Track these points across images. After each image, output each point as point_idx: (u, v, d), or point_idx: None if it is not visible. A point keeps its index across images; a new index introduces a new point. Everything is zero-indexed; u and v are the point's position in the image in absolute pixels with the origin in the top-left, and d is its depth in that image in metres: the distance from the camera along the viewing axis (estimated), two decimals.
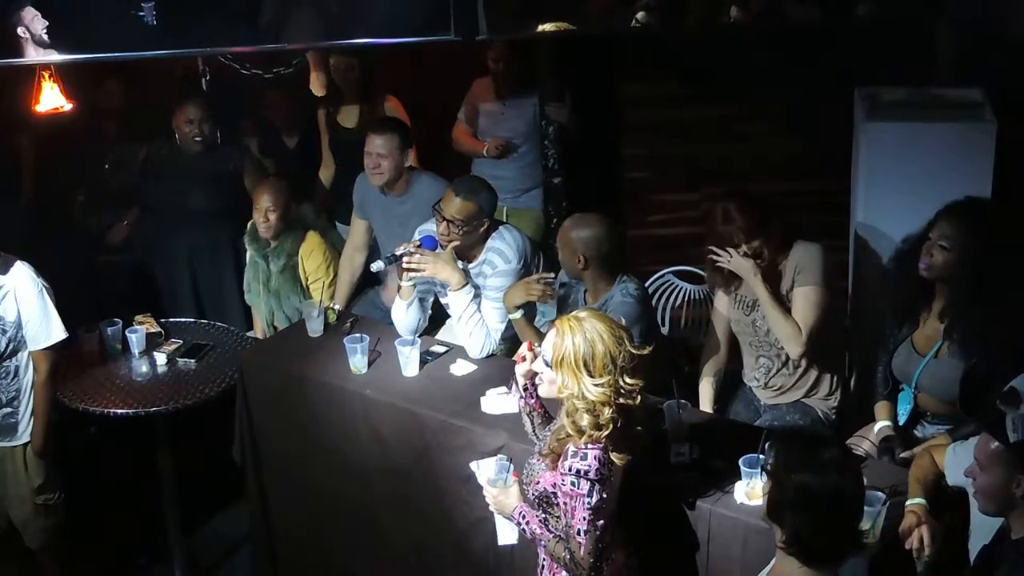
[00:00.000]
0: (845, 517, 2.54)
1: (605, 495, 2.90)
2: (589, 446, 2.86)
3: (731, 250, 3.88)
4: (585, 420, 2.85)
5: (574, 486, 2.86)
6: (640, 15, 4.27)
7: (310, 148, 5.71)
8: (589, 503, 2.87)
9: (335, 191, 5.54)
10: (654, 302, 5.04)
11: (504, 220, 4.57)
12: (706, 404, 4.09)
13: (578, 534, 2.89)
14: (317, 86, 5.29)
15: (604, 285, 3.91)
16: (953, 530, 3.02)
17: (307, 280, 4.89)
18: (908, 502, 3.01)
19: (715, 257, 3.93)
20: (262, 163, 5.48)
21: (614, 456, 2.88)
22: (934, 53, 5.28)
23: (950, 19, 4.95)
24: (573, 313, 2.95)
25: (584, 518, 2.88)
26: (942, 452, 3.15)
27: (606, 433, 2.85)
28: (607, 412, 2.84)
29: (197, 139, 5.13)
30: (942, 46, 5.26)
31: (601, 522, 2.91)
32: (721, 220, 3.89)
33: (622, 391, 2.85)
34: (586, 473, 2.85)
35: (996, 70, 5.05)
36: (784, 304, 3.88)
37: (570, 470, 2.86)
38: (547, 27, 4.31)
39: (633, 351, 2.87)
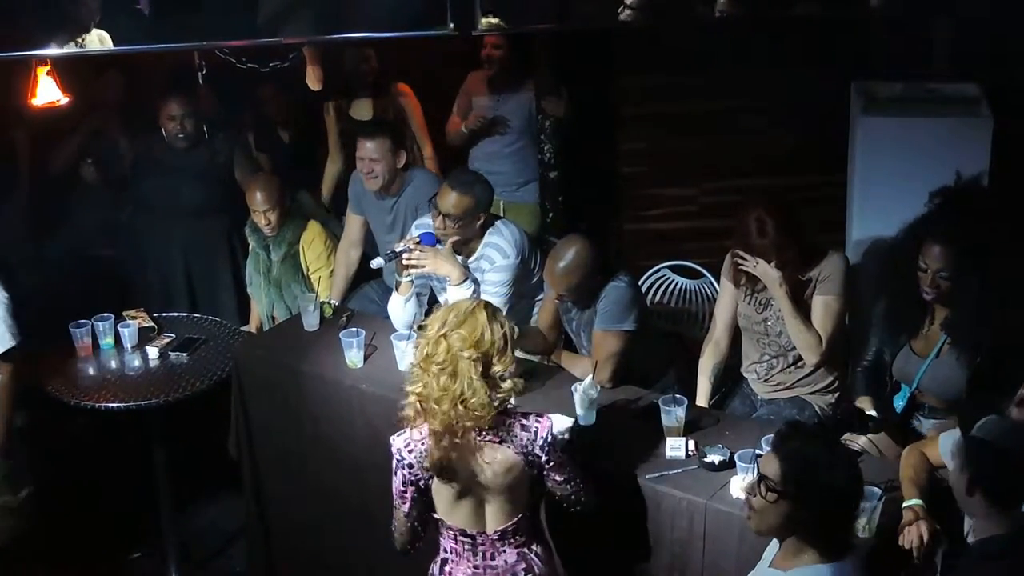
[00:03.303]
0: (848, 511, 2.63)
1: (406, 481, 3.03)
2: (408, 428, 3.02)
3: (759, 259, 3.84)
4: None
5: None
6: (633, 5, 4.26)
7: (306, 142, 5.71)
8: (394, 482, 3.06)
9: (344, 185, 5.47)
10: (650, 297, 5.05)
11: (501, 214, 4.58)
12: (702, 398, 4.10)
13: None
14: (313, 80, 5.22)
15: (598, 290, 3.93)
16: (954, 522, 3.02)
17: (308, 270, 4.90)
18: (905, 504, 3.02)
19: (741, 261, 3.90)
20: (252, 156, 5.48)
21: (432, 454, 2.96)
22: (931, 48, 5.31)
23: (947, 14, 4.97)
24: (475, 304, 3.02)
25: (393, 492, 3.08)
26: (933, 446, 3.17)
27: (408, 422, 3.00)
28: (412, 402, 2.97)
29: (180, 136, 5.13)
30: (939, 41, 5.30)
31: (406, 507, 3.07)
32: (756, 233, 3.82)
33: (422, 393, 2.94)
34: (393, 450, 3.05)
35: (992, 65, 5.08)
36: (806, 314, 3.87)
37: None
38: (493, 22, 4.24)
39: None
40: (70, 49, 4.16)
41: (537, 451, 2.99)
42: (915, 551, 2.92)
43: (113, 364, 4.42)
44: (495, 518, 3.05)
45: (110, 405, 4.17)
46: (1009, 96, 5.00)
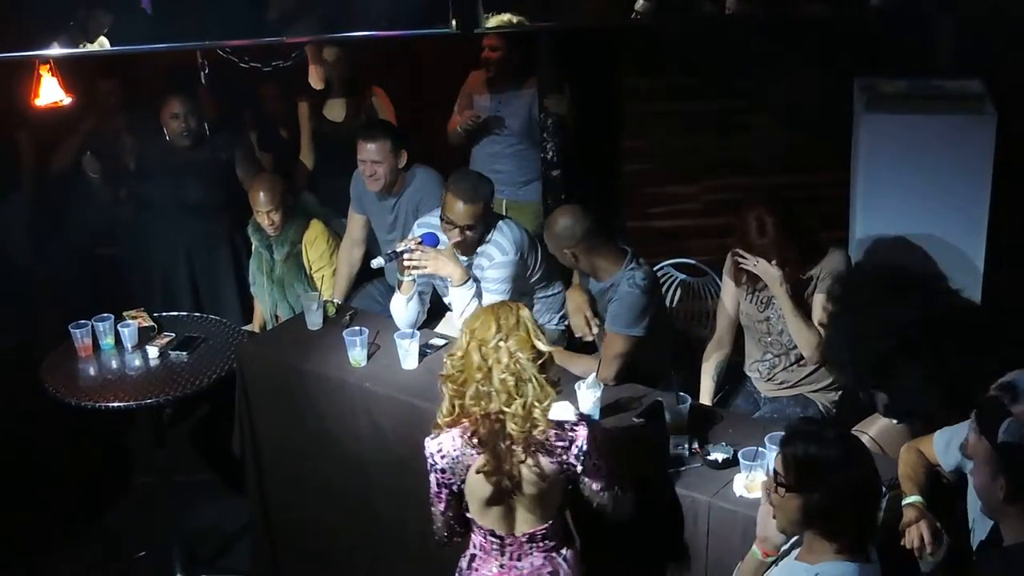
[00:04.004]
0: (861, 503, 2.65)
1: (440, 484, 3.02)
2: (440, 432, 3.00)
3: (759, 258, 3.86)
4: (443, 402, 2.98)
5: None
6: (639, 6, 4.27)
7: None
8: (430, 482, 3.04)
9: (314, 183, 5.59)
10: None
11: (504, 213, 4.58)
12: (706, 396, 4.12)
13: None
14: (315, 79, 5.31)
15: (606, 265, 3.91)
16: (954, 518, 3.03)
17: (311, 269, 4.92)
18: (904, 501, 3.02)
19: (741, 260, 3.91)
20: (254, 156, 5.50)
21: (478, 459, 2.93)
22: (934, 44, 5.33)
23: (950, 10, 4.98)
24: (516, 305, 3.01)
25: (430, 491, 3.07)
26: (928, 443, 3.17)
27: (442, 420, 2.98)
28: (445, 405, 2.97)
29: (184, 133, 5.15)
30: (942, 38, 5.31)
31: (441, 506, 3.07)
32: (756, 232, 3.84)
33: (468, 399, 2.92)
34: (426, 454, 3.01)
35: (996, 61, 5.09)
36: (806, 312, 3.89)
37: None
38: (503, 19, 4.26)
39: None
40: (73, 49, 4.19)
41: (572, 460, 2.97)
42: (916, 552, 2.92)
43: (113, 364, 4.44)
44: (525, 522, 3.05)
45: (111, 405, 4.17)
46: (1014, 92, 5.00)
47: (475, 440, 2.93)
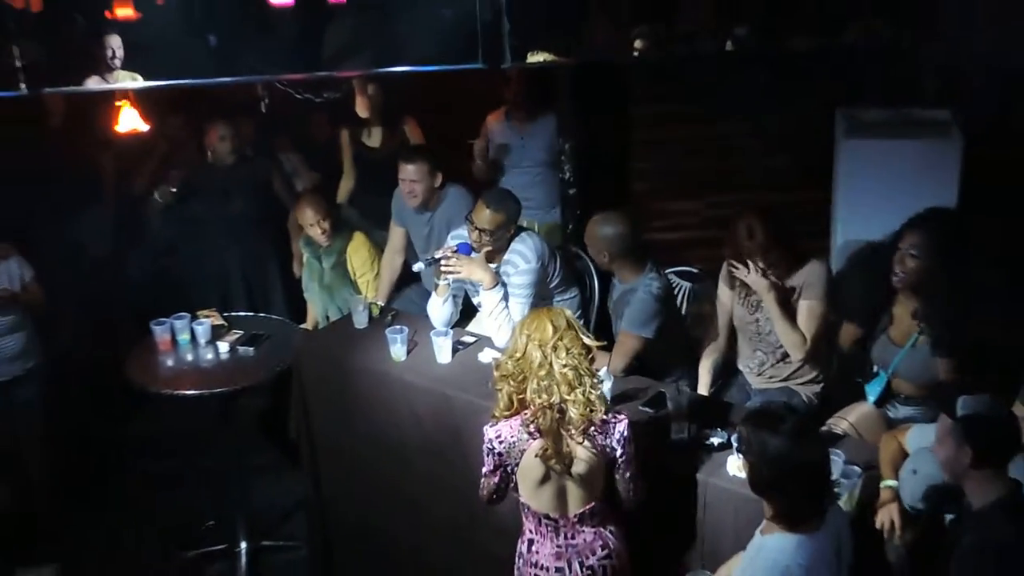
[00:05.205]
0: (804, 478, 2.78)
1: (491, 466, 3.19)
2: (498, 421, 3.17)
3: (750, 264, 4.01)
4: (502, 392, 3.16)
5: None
6: (637, 44, 4.50)
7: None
8: (484, 461, 3.21)
9: (354, 202, 5.84)
10: None
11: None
12: (703, 389, 4.29)
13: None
14: (362, 109, 5.52)
15: (631, 270, 4.15)
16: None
17: (355, 275, 5.18)
18: (882, 484, 3.15)
19: (734, 269, 4.09)
20: (283, 169, 5.76)
21: (535, 444, 3.10)
22: (908, 77, 5.50)
23: (924, 47, 5.11)
24: (559, 310, 3.21)
25: (483, 467, 3.24)
26: (904, 435, 3.29)
27: (500, 413, 3.17)
28: (503, 396, 3.16)
29: (230, 153, 5.44)
30: (914, 72, 5.48)
31: (493, 480, 3.22)
32: (745, 235, 4.00)
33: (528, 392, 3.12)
34: (485, 439, 3.19)
35: (963, 93, 5.31)
36: (791, 317, 4.04)
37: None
38: (542, 57, 4.49)
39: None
40: (144, 83, 4.52)
41: (614, 444, 3.15)
42: (886, 532, 3.07)
43: (189, 357, 4.68)
44: (576, 501, 3.20)
45: (186, 393, 4.41)
46: (977, 120, 5.18)
47: (532, 427, 3.12)
